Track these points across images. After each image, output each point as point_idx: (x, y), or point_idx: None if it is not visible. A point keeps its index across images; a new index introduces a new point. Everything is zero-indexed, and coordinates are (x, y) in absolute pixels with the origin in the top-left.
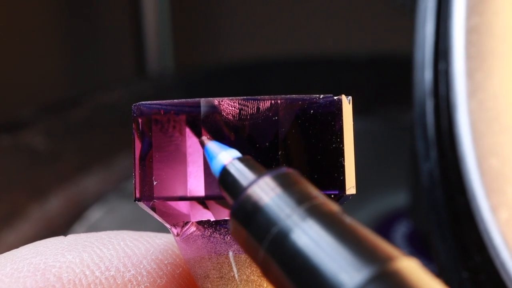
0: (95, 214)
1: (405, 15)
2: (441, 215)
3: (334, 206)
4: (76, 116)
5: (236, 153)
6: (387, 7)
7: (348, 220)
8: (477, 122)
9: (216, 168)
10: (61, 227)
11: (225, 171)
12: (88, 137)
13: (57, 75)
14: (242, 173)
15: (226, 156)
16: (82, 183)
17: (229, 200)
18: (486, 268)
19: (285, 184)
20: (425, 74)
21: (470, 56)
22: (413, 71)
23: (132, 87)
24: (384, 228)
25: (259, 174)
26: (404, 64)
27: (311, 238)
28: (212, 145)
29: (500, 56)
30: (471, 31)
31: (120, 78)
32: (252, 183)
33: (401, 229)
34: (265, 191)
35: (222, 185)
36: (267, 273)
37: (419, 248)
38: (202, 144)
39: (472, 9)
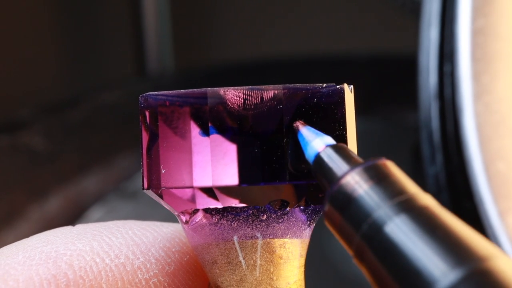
0: (95, 214)
1: (405, 15)
2: None
3: (428, 199)
4: (75, 116)
5: (329, 140)
6: (387, 7)
7: (443, 214)
8: (484, 126)
9: (310, 154)
10: (60, 227)
11: (319, 158)
12: (87, 137)
13: (57, 75)
14: (335, 161)
15: (320, 143)
16: (82, 183)
17: (324, 186)
18: None
19: (379, 176)
20: (430, 76)
21: (476, 59)
22: (418, 74)
23: (132, 87)
24: None
25: (353, 163)
26: (404, 64)
27: (405, 233)
28: (306, 131)
29: (506, 58)
30: (477, 33)
31: (120, 78)
32: (347, 172)
33: None
34: (359, 182)
35: (317, 171)
36: (360, 258)
37: None
38: (296, 129)
39: (478, 11)
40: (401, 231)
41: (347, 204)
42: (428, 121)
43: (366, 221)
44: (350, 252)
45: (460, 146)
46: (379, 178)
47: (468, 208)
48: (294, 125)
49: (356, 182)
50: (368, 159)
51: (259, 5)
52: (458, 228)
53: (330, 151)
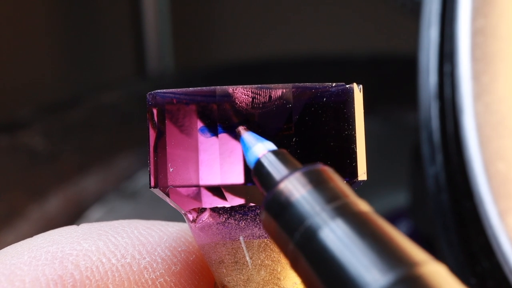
0: (95, 214)
1: (405, 15)
2: (447, 220)
3: (364, 206)
4: (75, 116)
5: (271, 146)
6: (387, 7)
7: (378, 220)
8: (483, 126)
9: (250, 159)
10: (61, 227)
11: (259, 163)
12: (87, 137)
13: (56, 75)
14: (275, 166)
15: (261, 148)
16: (81, 183)
17: (262, 191)
18: (495, 274)
19: (317, 181)
20: (430, 77)
21: (475, 59)
22: (418, 74)
23: (132, 87)
24: None
25: (292, 169)
26: (404, 64)
27: (339, 238)
28: (248, 136)
29: (506, 58)
30: (476, 33)
31: (120, 78)
32: (284, 177)
33: (401, 229)
34: (297, 187)
35: (256, 176)
36: (295, 265)
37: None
38: (238, 135)
39: (478, 11)
40: (335, 236)
41: (283, 210)
42: (428, 121)
43: (301, 227)
44: (287, 262)
45: (460, 146)
46: (317, 183)
47: (468, 208)
48: (237, 130)
49: (294, 186)
50: (307, 165)
51: (259, 5)
52: (392, 235)
53: (271, 157)
